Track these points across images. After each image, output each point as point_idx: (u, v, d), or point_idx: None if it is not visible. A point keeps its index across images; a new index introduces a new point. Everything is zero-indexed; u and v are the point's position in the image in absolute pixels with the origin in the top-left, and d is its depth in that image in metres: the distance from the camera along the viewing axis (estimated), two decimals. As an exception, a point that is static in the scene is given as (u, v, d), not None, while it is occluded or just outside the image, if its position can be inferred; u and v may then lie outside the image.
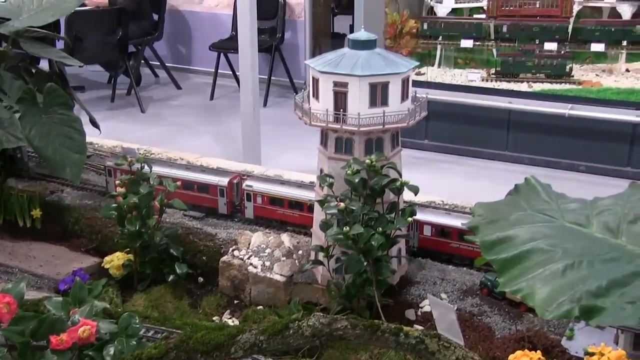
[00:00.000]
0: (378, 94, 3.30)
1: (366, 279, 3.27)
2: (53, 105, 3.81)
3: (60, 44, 7.71)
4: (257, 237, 3.90)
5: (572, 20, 6.99)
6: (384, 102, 3.32)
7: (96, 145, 5.41)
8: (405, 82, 3.38)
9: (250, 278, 3.71)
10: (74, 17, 7.93)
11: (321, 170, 3.53)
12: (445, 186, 5.65)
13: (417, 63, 3.61)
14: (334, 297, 3.38)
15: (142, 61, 9.46)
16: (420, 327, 3.04)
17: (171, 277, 3.79)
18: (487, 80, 7.01)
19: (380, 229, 3.20)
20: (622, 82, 6.75)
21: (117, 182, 3.85)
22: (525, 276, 1.75)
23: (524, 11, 7.03)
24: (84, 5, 8.40)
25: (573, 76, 6.85)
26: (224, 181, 4.27)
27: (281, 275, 3.64)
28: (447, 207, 4.09)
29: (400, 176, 3.38)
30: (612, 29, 6.77)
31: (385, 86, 3.30)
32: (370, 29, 3.55)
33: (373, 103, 3.31)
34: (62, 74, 4.60)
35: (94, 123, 4.65)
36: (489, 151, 6.90)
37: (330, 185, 3.33)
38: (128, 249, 3.85)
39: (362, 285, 3.29)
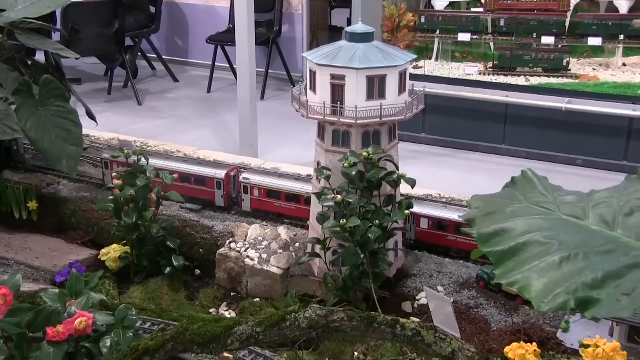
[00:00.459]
0: (375, 87, 3.30)
1: (363, 271, 3.28)
2: (49, 98, 3.80)
3: (56, 36, 7.69)
4: (254, 230, 3.91)
5: (569, 14, 6.99)
6: (382, 95, 3.32)
7: (93, 138, 5.40)
8: (402, 75, 3.37)
9: (247, 270, 3.71)
10: (71, 8, 7.90)
11: (318, 163, 3.53)
12: (442, 179, 5.66)
13: (415, 56, 3.61)
14: (331, 290, 3.38)
15: (139, 54, 9.44)
16: (416, 320, 3.04)
17: (168, 270, 3.79)
18: (484, 74, 7.01)
19: (377, 221, 3.20)
20: (619, 76, 6.76)
21: (114, 174, 3.84)
22: (522, 268, 1.75)
23: (521, 5, 7.03)
24: (80, -3, 8.37)
25: (570, 70, 6.85)
26: (221, 174, 4.27)
27: (278, 267, 3.65)
28: (444, 200, 4.10)
29: (398, 169, 3.38)
30: (610, 23, 6.77)
31: (382, 79, 3.30)
32: (367, 22, 3.54)
33: (370, 96, 3.31)
34: (59, 66, 4.59)
35: (91, 115, 4.64)
36: (486, 145, 6.90)
37: (328, 178, 3.33)
38: (125, 242, 3.85)
39: (358, 277, 3.30)
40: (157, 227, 3.81)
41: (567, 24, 6.94)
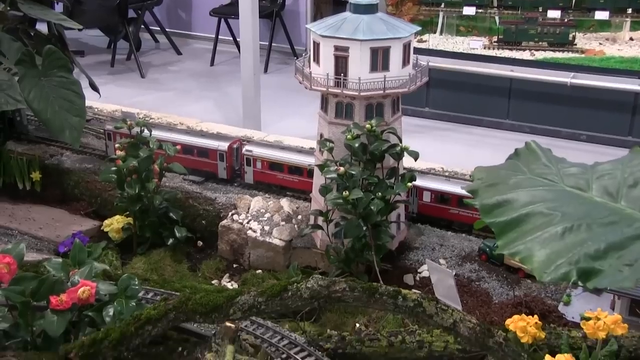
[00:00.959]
0: (379, 59, 3.28)
1: (365, 243, 3.28)
2: (52, 68, 3.78)
3: (59, 7, 7.63)
4: (257, 202, 3.91)
5: (576, -13, 6.91)
6: (385, 67, 3.30)
7: (96, 110, 5.39)
8: (406, 48, 3.35)
9: (249, 242, 3.72)
10: (73, -20, 7.84)
11: (321, 135, 3.52)
12: (446, 154, 5.63)
13: (419, 28, 3.58)
14: (333, 262, 3.39)
15: (142, 26, 9.38)
16: (418, 292, 3.05)
17: (170, 241, 3.80)
18: (489, 48, 6.95)
19: (379, 194, 3.20)
20: (625, 50, 6.70)
21: (117, 145, 3.84)
22: (524, 239, 1.75)
23: (527, -22, 6.95)
24: (83, -32, 8.30)
25: (576, 44, 6.79)
26: (223, 146, 4.26)
27: (280, 239, 3.66)
28: (446, 174, 4.09)
29: (401, 141, 3.38)
30: (617, -3, 6.69)
31: (386, 51, 3.28)
32: (372, -7, 3.51)
33: (374, 68, 3.29)
34: (61, 37, 4.57)
35: (94, 87, 4.62)
36: (490, 119, 6.86)
37: (330, 150, 3.32)
38: (127, 213, 3.86)
39: (361, 250, 3.30)
40: (159, 199, 3.81)
41: (573, -2, 6.87)
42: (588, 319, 2.56)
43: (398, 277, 3.40)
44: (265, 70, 8.56)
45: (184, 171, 3.88)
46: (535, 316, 2.65)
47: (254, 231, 3.70)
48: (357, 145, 3.21)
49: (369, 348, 2.81)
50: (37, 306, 2.59)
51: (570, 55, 6.68)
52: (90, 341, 2.41)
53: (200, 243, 3.95)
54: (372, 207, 3.15)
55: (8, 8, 3.87)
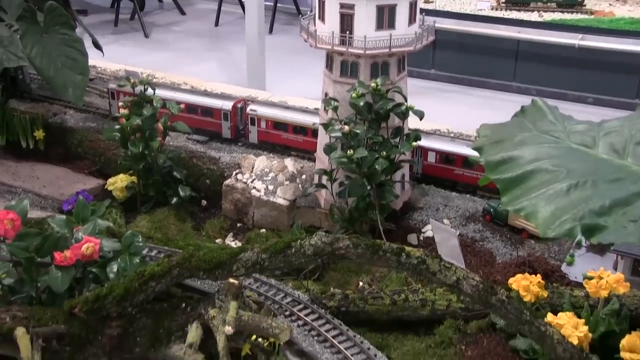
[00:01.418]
0: (385, 17, 3.23)
1: (369, 203, 3.28)
2: (54, 25, 3.75)
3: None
4: (261, 161, 3.90)
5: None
6: (391, 25, 3.25)
7: (99, 69, 5.36)
8: (413, 6, 3.30)
9: (253, 202, 3.72)
10: (76, -63, 7.73)
11: (326, 94, 3.49)
12: (451, 115, 5.59)
13: (426, -15, 3.53)
14: (337, 221, 3.39)
15: (146, -15, 9.28)
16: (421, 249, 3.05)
17: (174, 200, 3.80)
18: (496, 10, 6.86)
19: (384, 153, 3.18)
20: (636, 11, 6.60)
21: (121, 103, 3.82)
22: (529, 195, 1.74)
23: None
24: None
25: (585, 5, 6.71)
26: (228, 105, 4.24)
27: (284, 199, 3.65)
28: (452, 135, 4.07)
29: (406, 100, 3.35)
30: (628, -43, 6.58)
31: (392, 9, 3.23)
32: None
33: (380, 26, 3.24)
34: (63, -7, 4.52)
35: (97, 45, 4.59)
36: (496, 82, 6.80)
37: (335, 109, 3.30)
38: (131, 171, 3.85)
39: (364, 209, 3.30)
40: (163, 157, 3.80)
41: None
42: (591, 278, 2.56)
43: (402, 237, 3.40)
44: (270, 31, 8.48)
45: (188, 130, 3.86)
46: (538, 275, 2.66)
47: (258, 190, 3.69)
48: (362, 103, 3.18)
49: (372, 306, 2.82)
50: (42, 262, 2.60)
51: (579, 16, 6.60)
52: (95, 297, 2.42)
53: (204, 202, 3.95)
54: (376, 166, 3.14)
55: (9, -36, 3.82)
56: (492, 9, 6.91)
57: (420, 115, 3.23)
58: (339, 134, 3.18)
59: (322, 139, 3.50)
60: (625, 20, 6.35)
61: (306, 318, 2.68)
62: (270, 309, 2.56)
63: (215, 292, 2.43)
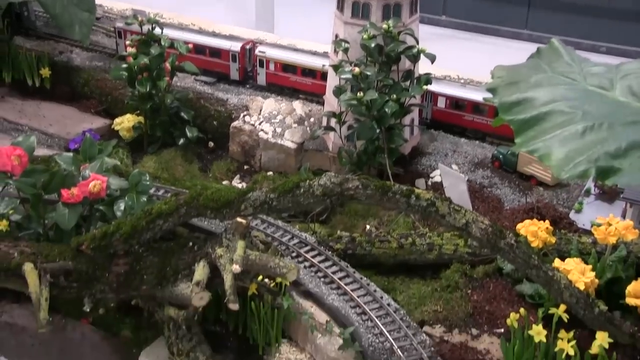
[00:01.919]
0: (398, -44, 3.16)
1: (378, 146, 3.25)
2: (60, -41, 3.68)
3: None
4: (269, 104, 3.86)
5: None
6: (404, -35, 3.18)
7: (106, 8, 5.27)
8: (427, -55, 3.22)
9: (260, 144, 3.69)
10: None
11: (336, 36, 3.43)
12: (461, 62, 5.52)
13: None
14: (345, 164, 3.36)
15: None
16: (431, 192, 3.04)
17: (181, 141, 3.78)
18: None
19: (394, 96, 3.14)
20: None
21: (128, 42, 3.76)
22: (543, 137, 1.71)
23: None
24: None
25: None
26: (236, 46, 4.18)
27: (292, 141, 3.62)
28: (462, 81, 4.01)
29: (418, 43, 3.29)
30: None
31: (406, -52, 3.15)
32: None
33: (392, -35, 3.17)
34: None
35: (103, -18, 4.51)
36: (508, 30, 6.70)
37: (346, 51, 3.25)
38: (138, 111, 3.82)
39: (373, 152, 3.27)
40: (171, 97, 3.76)
41: None
42: (599, 224, 2.55)
43: (410, 182, 3.37)
44: (279, -27, 8.33)
45: (196, 70, 3.80)
46: (547, 221, 2.64)
47: (266, 133, 3.66)
48: (373, 45, 3.13)
49: (379, 249, 2.82)
50: (49, 199, 2.59)
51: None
52: (102, 234, 2.42)
53: (211, 144, 3.93)
54: (386, 109, 3.10)
55: None
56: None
57: (432, 58, 3.18)
58: (349, 76, 3.14)
59: (332, 81, 3.45)
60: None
61: (313, 259, 2.69)
62: (277, 249, 2.56)
63: (223, 231, 2.43)
